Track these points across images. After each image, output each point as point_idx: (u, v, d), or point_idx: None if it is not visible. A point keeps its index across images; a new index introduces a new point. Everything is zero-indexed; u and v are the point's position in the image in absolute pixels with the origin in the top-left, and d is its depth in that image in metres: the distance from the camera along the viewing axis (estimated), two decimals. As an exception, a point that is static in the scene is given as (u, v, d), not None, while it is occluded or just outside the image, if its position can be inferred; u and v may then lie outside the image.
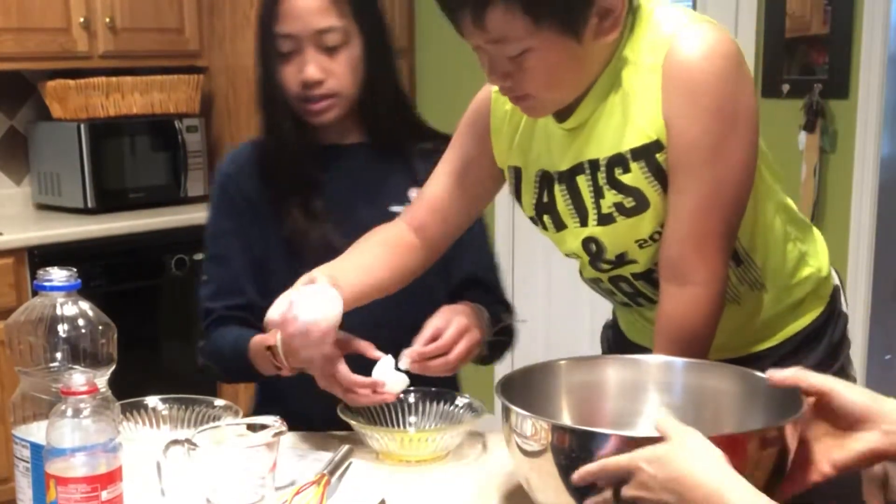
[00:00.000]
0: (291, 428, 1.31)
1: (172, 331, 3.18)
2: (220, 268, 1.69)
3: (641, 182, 1.35)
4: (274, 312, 1.38)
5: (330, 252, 1.57)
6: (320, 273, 1.44)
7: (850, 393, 1.10)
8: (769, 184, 1.48)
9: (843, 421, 1.10)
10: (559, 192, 1.44)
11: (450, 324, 1.49)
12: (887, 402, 1.06)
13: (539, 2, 1.25)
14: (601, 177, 1.38)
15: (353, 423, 1.46)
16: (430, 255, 1.59)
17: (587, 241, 1.44)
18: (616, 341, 1.67)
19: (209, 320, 1.67)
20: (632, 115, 1.34)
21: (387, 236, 1.56)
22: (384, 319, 1.52)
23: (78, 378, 1.11)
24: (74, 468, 1.10)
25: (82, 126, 3.35)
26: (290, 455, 1.42)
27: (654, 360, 1.35)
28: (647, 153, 1.34)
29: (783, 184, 1.56)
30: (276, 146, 1.68)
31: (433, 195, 1.57)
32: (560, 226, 1.48)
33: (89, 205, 3.39)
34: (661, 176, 1.34)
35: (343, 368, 1.43)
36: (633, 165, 1.34)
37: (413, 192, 1.66)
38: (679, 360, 1.33)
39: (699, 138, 1.30)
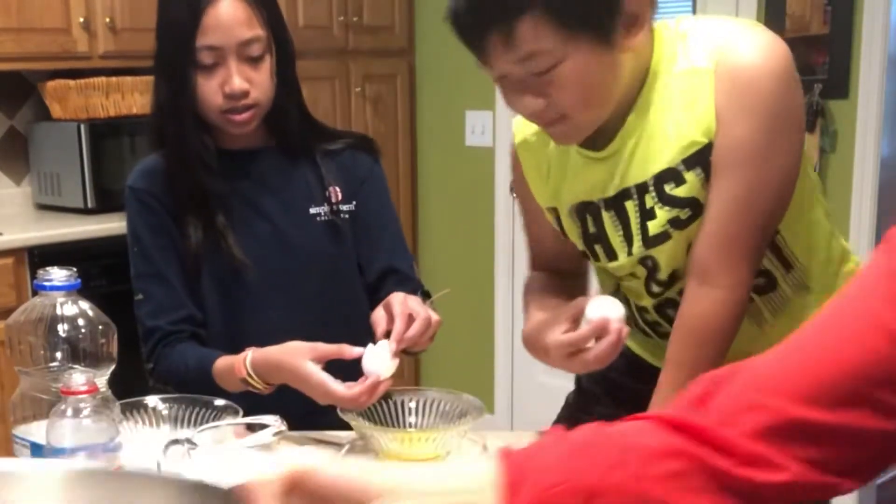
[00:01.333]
0: (290, 427, 1.31)
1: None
2: (155, 285, 1.67)
3: (698, 190, 1.33)
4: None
5: (233, 263, 1.64)
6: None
7: (330, 475, 0.91)
8: (815, 181, 1.45)
9: None
10: (608, 218, 1.41)
11: (408, 302, 1.53)
12: (378, 482, 0.88)
13: (571, 10, 1.23)
14: (650, 198, 1.35)
15: (353, 423, 1.46)
16: (584, 279, 1.60)
17: (644, 259, 1.41)
18: (631, 363, 1.58)
19: (154, 340, 1.65)
20: (676, 127, 1.32)
21: (544, 280, 1.58)
22: (308, 317, 1.57)
23: (78, 378, 1.11)
24: (74, 468, 1.09)
25: (82, 126, 3.34)
26: (291, 455, 1.42)
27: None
28: (701, 159, 1.32)
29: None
30: (179, 159, 1.67)
31: (542, 254, 1.60)
32: (611, 255, 1.44)
33: (89, 205, 3.39)
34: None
35: (338, 389, 1.44)
36: (689, 175, 1.33)
37: (332, 192, 1.72)
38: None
39: (747, 136, 1.29)
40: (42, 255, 3.06)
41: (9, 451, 1.26)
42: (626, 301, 1.48)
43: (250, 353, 1.51)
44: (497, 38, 1.25)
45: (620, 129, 1.35)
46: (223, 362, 1.56)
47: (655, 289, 1.43)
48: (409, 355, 1.65)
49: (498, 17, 1.24)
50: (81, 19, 3.31)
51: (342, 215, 1.74)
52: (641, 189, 1.36)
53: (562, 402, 1.76)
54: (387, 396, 1.54)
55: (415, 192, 4.16)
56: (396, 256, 1.78)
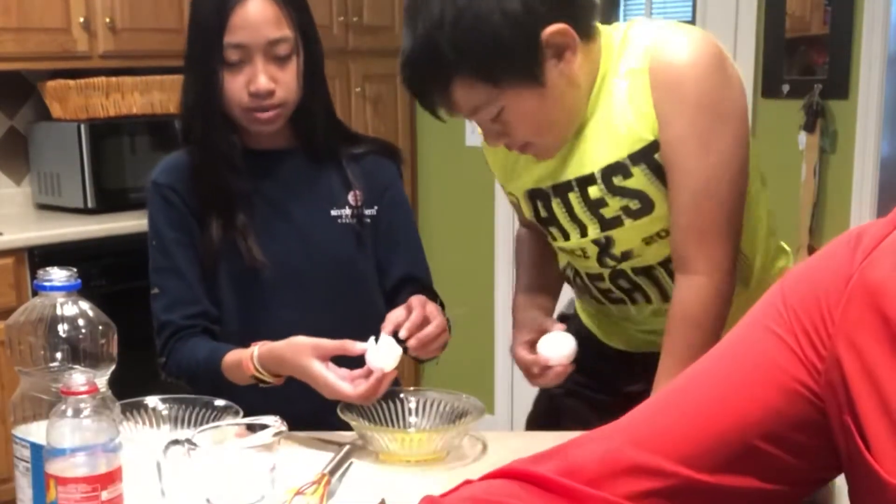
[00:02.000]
0: (291, 427, 1.31)
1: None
2: (172, 279, 1.68)
3: (644, 184, 1.43)
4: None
5: (251, 265, 1.65)
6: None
7: None
8: (759, 176, 1.52)
9: None
10: (556, 205, 1.52)
11: (426, 305, 1.55)
12: None
13: (492, 67, 1.34)
14: (599, 189, 1.45)
15: (353, 423, 1.46)
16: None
17: (597, 240, 1.51)
18: (586, 338, 1.69)
19: (167, 334, 1.66)
20: (623, 124, 1.42)
21: (532, 249, 1.73)
22: (324, 319, 1.57)
23: (78, 378, 1.11)
24: (74, 468, 1.09)
25: (82, 126, 3.34)
26: (291, 455, 1.42)
27: None
28: (645, 155, 1.41)
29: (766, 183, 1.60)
30: (204, 156, 1.68)
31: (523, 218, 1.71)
32: (566, 235, 1.55)
33: (89, 205, 3.39)
34: (662, 175, 1.42)
35: (344, 387, 1.44)
36: (635, 170, 1.42)
37: (351, 196, 1.73)
38: None
39: (685, 131, 1.38)
40: (42, 255, 3.06)
41: (9, 451, 1.26)
42: (576, 273, 1.62)
43: (256, 349, 1.52)
44: (441, 102, 1.41)
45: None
46: (232, 357, 1.56)
47: (609, 262, 1.53)
48: (419, 362, 1.66)
49: (434, 88, 1.39)
50: (81, 19, 3.31)
51: (364, 219, 1.75)
52: (584, 181, 1.46)
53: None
54: (387, 396, 1.55)
55: (415, 192, 4.16)
56: (415, 265, 1.79)
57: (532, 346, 1.57)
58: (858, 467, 0.74)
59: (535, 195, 1.54)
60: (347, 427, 1.48)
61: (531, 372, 1.57)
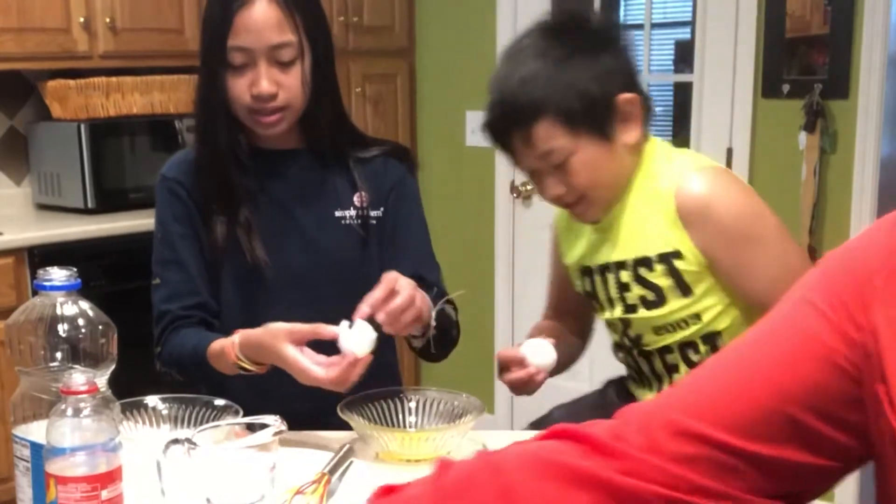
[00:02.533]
0: (291, 427, 1.31)
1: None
2: (173, 271, 1.70)
3: (662, 280, 1.62)
4: None
5: (254, 263, 1.67)
6: None
7: None
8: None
9: None
10: (598, 282, 1.72)
11: (398, 281, 1.51)
12: None
13: (573, 113, 1.57)
14: (627, 274, 1.65)
15: (353, 423, 1.46)
16: (583, 341, 1.92)
17: (623, 319, 1.70)
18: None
19: (164, 323, 1.67)
20: (652, 227, 1.61)
21: (558, 326, 1.89)
22: (326, 320, 1.53)
23: (78, 378, 1.11)
24: (74, 468, 1.10)
25: (82, 126, 3.34)
26: (291, 455, 1.42)
27: None
28: (668, 259, 1.60)
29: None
30: (209, 153, 1.69)
31: (553, 303, 1.95)
32: (603, 309, 1.75)
33: (89, 205, 3.39)
34: (677, 278, 1.60)
35: (318, 372, 1.43)
36: (658, 267, 1.62)
37: (356, 198, 1.74)
38: None
39: (735, 259, 1.57)
40: (42, 255, 3.06)
41: (9, 451, 1.26)
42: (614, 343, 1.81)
43: (238, 336, 1.52)
44: (519, 139, 1.62)
45: (615, 207, 1.65)
46: (217, 345, 1.56)
47: (626, 342, 1.73)
48: (420, 355, 1.66)
49: (518, 123, 1.60)
50: (81, 19, 3.31)
51: (369, 221, 1.75)
52: (620, 266, 1.66)
53: (561, 402, 1.90)
54: (387, 396, 1.55)
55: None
56: (423, 265, 1.79)
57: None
58: (885, 437, 0.76)
59: (584, 271, 1.75)
60: (347, 427, 1.48)
61: (506, 368, 1.68)
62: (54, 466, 1.10)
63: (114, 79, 3.43)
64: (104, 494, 1.10)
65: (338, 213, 1.73)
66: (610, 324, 1.76)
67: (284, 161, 1.74)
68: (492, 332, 4.01)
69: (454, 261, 4.11)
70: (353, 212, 1.74)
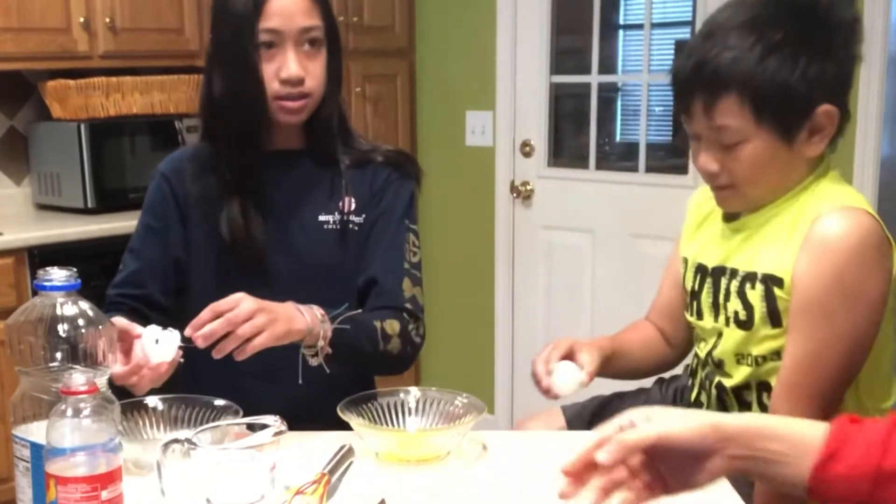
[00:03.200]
0: (291, 427, 1.31)
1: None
2: (131, 259, 1.76)
3: (757, 302, 1.54)
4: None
5: (251, 260, 1.67)
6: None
7: (683, 431, 1.03)
8: (858, 385, 1.56)
9: (686, 460, 1.04)
10: (707, 284, 1.64)
11: (239, 303, 1.46)
12: (731, 424, 1.04)
13: (766, 100, 1.45)
14: (735, 284, 1.57)
15: (353, 423, 1.46)
16: (677, 352, 1.83)
17: (718, 331, 1.62)
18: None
19: (104, 307, 1.68)
20: (776, 247, 1.53)
21: (646, 333, 1.83)
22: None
23: (78, 378, 1.11)
24: (74, 468, 1.10)
25: (82, 126, 3.34)
26: (291, 455, 1.42)
27: None
28: (770, 282, 1.52)
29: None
30: (238, 145, 1.69)
31: (660, 303, 1.83)
32: (699, 314, 1.66)
33: (89, 205, 3.38)
34: (772, 306, 1.52)
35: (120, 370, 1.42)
36: (758, 286, 1.54)
37: (342, 202, 1.73)
38: None
39: (812, 300, 1.47)
40: (42, 255, 3.06)
41: (9, 451, 1.26)
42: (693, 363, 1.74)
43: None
44: (700, 103, 1.49)
45: (756, 213, 1.57)
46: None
47: (709, 364, 1.64)
48: (308, 362, 1.59)
49: (706, 87, 1.48)
50: (81, 19, 3.31)
51: (349, 226, 1.74)
52: (733, 274, 1.58)
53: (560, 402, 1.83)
54: (387, 396, 1.55)
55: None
56: (384, 270, 1.75)
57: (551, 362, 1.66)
58: None
59: (699, 268, 1.67)
60: (347, 427, 1.48)
61: (537, 382, 1.65)
62: (54, 467, 1.10)
63: (114, 79, 3.43)
64: (104, 495, 1.10)
65: (322, 218, 1.74)
66: (700, 337, 1.69)
67: (285, 164, 1.74)
68: (492, 333, 4.01)
69: (454, 261, 4.11)
70: (337, 216, 1.74)
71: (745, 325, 1.56)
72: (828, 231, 1.47)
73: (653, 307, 1.86)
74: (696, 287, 1.66)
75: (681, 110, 1.55)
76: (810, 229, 1.48)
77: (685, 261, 1.71)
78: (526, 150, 3.79)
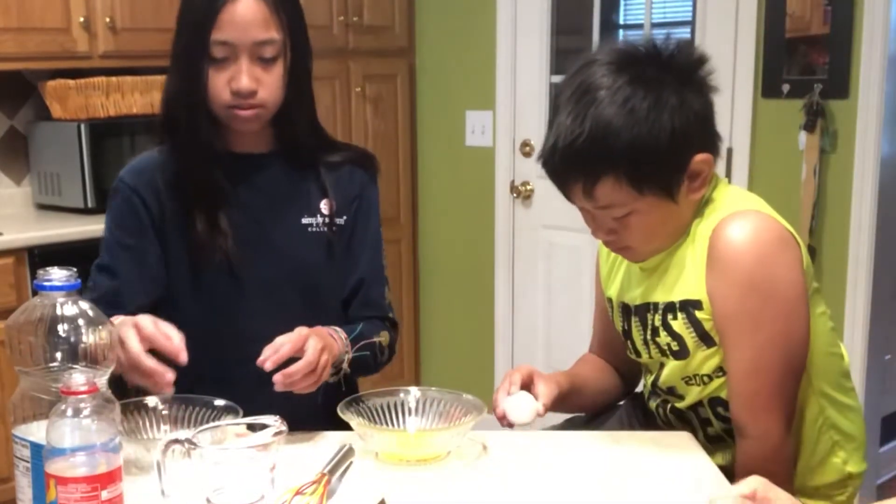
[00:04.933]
0: (291, 428, 1.31)
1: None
2: (105, 279, 1.68)
3: (683, 330, 1.55)
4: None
5: (228, 265, 1.65)
6: None
7: None
8: (809, 374, 1.57)
9: None
10: (634, 322, 1.64)
11: (307, 340, 1.50)
12: None
13: (642, 172, 1.45)
14: (658, 318, 1.58)
15: (353, 423, 1.46)
16: (627, 380, 1.82)
17: (659, 363, 1.63)
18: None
19: None
20: (687, 270, 1.53)
21: (598, 366, 1.82)
22: (288, 325, 1.53)
23: (78, 378, 1.11)
24: (74, 468, 1.10)
25: (82, 126, 3.34)
26: (291, 455, 1.42)
27: None
28: (689, 307, 1.53)
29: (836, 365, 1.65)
30: (189, 151, 1.67)
31: (597, 336, 1.84)
32: (637, 353, 1.67)
33: (89, 205, 3.38)
34: (699, 329, 1.53)
35: (143, 355, 1.42)
36: (679, 315, 1.55)
37: (324, 204, 1.73)
38: None
39: (734, 310, 1.48)
40: (42, 255, 3.06)
41: (9, 451, 1.26)
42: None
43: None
44: (579, 188, 1.49)
45: (665, 250, 1.57)
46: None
47: (658, 390, 1.66)
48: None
49: (582, 175, 1.47)
50: (81, 19, 3.31)
51: (334, 228, 1.74)
52: (655, 308, 1.58)
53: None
54: (387, 396, 1.55)
55: (415, 192, 4.15)
56: (370, 277, 1.78)
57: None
58: None
59: (623, 308, 1.67)
60: (347, 427, 1.48)
61: (494, 408, 1.62)
62: (54, 467, 1.10)
63: (114, 79, 3.43)
64: (104, 494, 1.10)
65: (305, 221, 1.73)
66: (646, 368, 1.71)
67: (256, 166, 1.72)
68: (491, 333, 4.01)
69: (454, 261, 4.11)
70: (319, 219, 1.73)
71: (680, 354, 1.56)
72: (726, 242, 1.47)
73: (592, 341, 1.87)
74: (626, 326, 1.67)
75: (560, 189, 1.54)
76: (710, 245, 1.49)
77: (610, 301, 1.72)
78: (526, 150, 3.79)
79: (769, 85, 3.13)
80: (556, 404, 1.65)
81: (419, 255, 4.20)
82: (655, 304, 1.58)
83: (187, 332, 1.63)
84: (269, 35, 1.61)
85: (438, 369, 4.16)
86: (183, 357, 1.43)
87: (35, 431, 1.17)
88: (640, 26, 3.63)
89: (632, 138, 1.43)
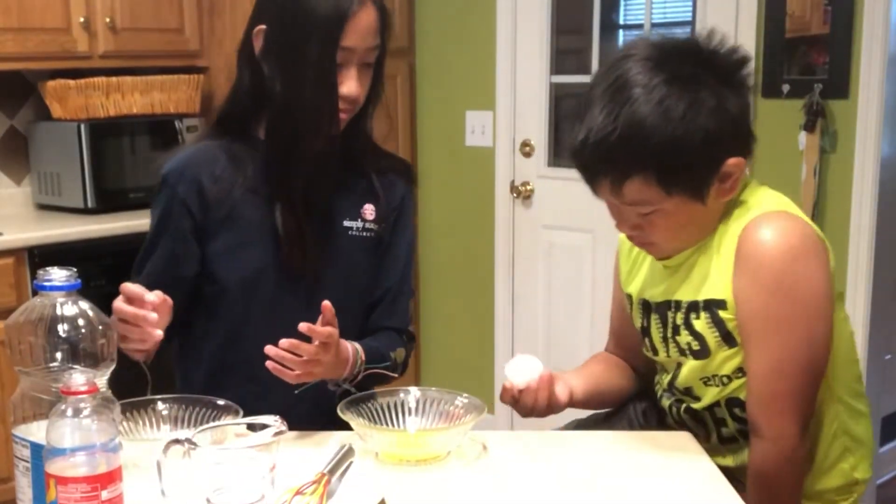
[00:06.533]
0: (291, 428, 1.31)
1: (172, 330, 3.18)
2: (137, 281, 1.66)
3: (705, 330, 1.54)
4: None
5: (312, 261, 1.67)
6: None
7: None
8: (829, 379, 1.56)
9: None
10: (654, 320, 1.63)
11: (334, 337, 1.50)
12: None
13: (672, 173, 1.44)
14: (680, 316, 1.57)
15: (353, 423, 1.46)
16: (641, 375, 1.80)
17: (677, 363, 1.62)
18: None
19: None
20: (714, 270, 1.52)
21: (612, 363, 1.81)
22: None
23: (78, 378, 1.11)
24: (74, 468, 1.10)
25: (82, 126, 3.34)
26: (291, 455, 1.42)
27: None
28: (714, 307, 1.52)
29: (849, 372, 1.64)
30: (301, 152, 1.65)
31: (615, 333, 1.82)
32: (654, 351, 1.66)
33: (89, 205, 3.39)
34: (722, 329, 1.52)
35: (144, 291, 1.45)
36: (702, 314, 1.54)
37: (368, 210, 1.74)
38: None
39: (759, 312, 1.47)
40: (42, 255, 3.06)
41: (9, 451, 1.26)
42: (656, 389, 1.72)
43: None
44: (607, 184, 1.48)
45: (690, 248, 1.56)
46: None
47: (674, 390, 1.64)
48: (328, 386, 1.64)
49: (612, 172, 1.46)
50: (81, 19, 3.31)
51: (372, 234, 1.75)
52: (677, 306, 1.57)
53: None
54: (387, 396, 1.55)
55: (415, 192, 4.15)
56: (396, 289, 1.79)
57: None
58: None
59: (644, 305, 1.66)
60: (347, 427, 1.48)
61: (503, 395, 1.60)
62: (54, 467, 1.10)
63: (114, 79, 3.43)
64: (104, 495, 1.11)
65: (346, 223, 1.73)
66: (661, 368, 1.70)
67: (317, 166, 1.71)
68: (491, 333, 4.01)
69: (454, 261, 4.11)
70: (360, 223, 1.74)
71: (701, 353, 1.55)
72: (755, 243, 1.46)
73: (609, 338, 1.86)
74: (645, 324, 1.66)
75: (590, 187, 1.52)
76: (739, 245, 1.48)
77: (629, 297, 1.71)
78: (526, 150, 3.79)
79: (769, 85, 3.12)
80: (575, 405, 1.67)
81: (419, 255, 4.20)
82: (678, 303, 1.57)
83: (217, 329, 1.68)
84: (377, 42, 1.64)
85: (438, 369, 4.16)
86: (150, 297, 1.43)
87: (35, 431, 1.17)
88: (640, 26, 3.63)
89: (664, 139, 1.41)
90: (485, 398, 1.56)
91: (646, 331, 1.66)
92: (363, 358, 1.64)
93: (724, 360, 1.54)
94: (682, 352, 1.58)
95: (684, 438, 1.58)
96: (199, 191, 1.68)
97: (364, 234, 1.75)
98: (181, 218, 1.69)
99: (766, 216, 1.49)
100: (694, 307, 1.54)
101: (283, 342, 1.45)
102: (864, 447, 1.64)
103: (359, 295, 1.76)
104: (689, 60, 1.46)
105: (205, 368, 1.73)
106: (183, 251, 1.69)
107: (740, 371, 1.53)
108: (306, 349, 1.47)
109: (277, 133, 1.66)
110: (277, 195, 1.67)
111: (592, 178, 1.50)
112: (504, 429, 3.72)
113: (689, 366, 1.58)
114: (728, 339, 1.52)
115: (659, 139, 1.41)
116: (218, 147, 1.72)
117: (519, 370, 1.58)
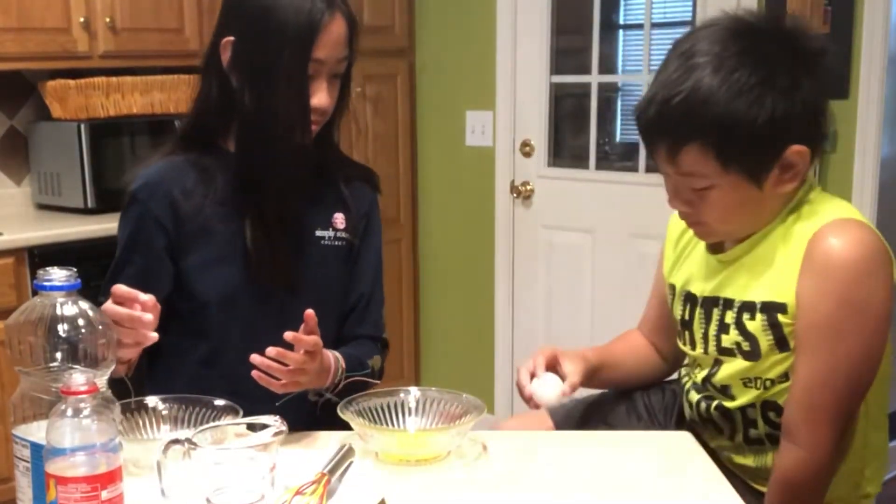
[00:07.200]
0: (291, 428, 1.31)
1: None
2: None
3: (759, 332, 1.50)
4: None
5: (285, 273, 1.65)
6: None
7: None
8: (868, 400, 1.55)
9: None
10: (698, 314, 1.60)
11: (319, 349, 1.50)
12: None
13: (731, 148, 1.41)
14: (730, 315, 1.53)
15: (353, 422, 1.46)
16: (669, 364, 1.81)
17: (715, 360, 1.59)
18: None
19: None
20: (772, 273, 1.49)
21: (637, 344, 1.82)
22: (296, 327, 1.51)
23: (78, 378, 1.11)
24: (74, 468, 1.10)
25: (82, 126, 3.34)
26: (291, 455, 1.42)
27: None
28: (772, 310, 1.48)
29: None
30: (272, 161, 1.63)
31: (651, 318, 1.81)
32: (692, 345, 1.63)
33: (89, 205, 3.39)
34: (777, 333, 1.49)
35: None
36: (759, 316, 1.50)
37: (339, 218, 1.74)
38: None
39: (821, 320, 1.44)
40: (42, 255, 3.06)
41: (9, 451, 1.26)
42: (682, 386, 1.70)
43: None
44: (664, 149, 1.45)
45: (744, 243, 1.53)
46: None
47: (709, 386, 1.60)
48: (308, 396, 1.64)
49: (669, 136, 1.44)
50: (81, 19, 3.31)
51: (343, 243, 1.75)
52: (728, 304, 1.54)
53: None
54: (387, 396, 1.55)
55: (415, 192, 4.15)
56: (369, 296, 1.79)
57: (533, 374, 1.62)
58: None
59: (688, 298, 1.63)
60: (347, 427, 1.48)
61: (521, 390, 1.61)
62: (54, 467, 1.10)
63: (114, 79, 3.43)
64: (104, 495, 1.10)
65: (318, 233, 1.72)
66: (695, 362, 1.65)
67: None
68: (491, 333, 4.01)
69: (454, 261, 4.11)
70: (332, 232, 1.74)
71: (751, 355, 1.52)
72: (829, 249, 1.43)
73: (643, 320, 1.85)
74: (687, 317, 1.63)
75: (648, 152, 1.52)
76: (809, 249, 1.45)
77: (672, 287, 1.68)
78: (526, 150, 3.79)
79: (769, 85, 3.12)
80: (586, 381, 1.65)
81: (419, 255, 4.20)
82: (729, 301, 1.54)
83: (195, 346, 1.67)
84: (346, 52, 1.65)
85: (438, 369, 4.16)
86: (143, 298, 1.41)
87: (35, 431, 1.17)
88: (640, 26, 3.63)
89: (727, 111, 1.38)
90: (485, 398, 1.56)
91: (686, 324, 1.63)
92: (343, 366, 1.64)
93: (774, 364, 1.51)
94: (723, 350, 1.55)
95: (684, 438, 1.58)
96: (172, 205, 1.66)
97: (336, 242, 1.74)
98: (154, 234, 1.66)
99: (840, 223, 1.45)
100: (749, 307, 1.51)
101: (270, 350, 1.44)
102: (879, 459, 1.62)
103: (333, 304, 1.75)
104: (769, 38, 1.44)
105: (182, 385, 1.69)
106: (156, 268, 1.67)
107: (785, 376, 1.51)
108: (293, 358, 1.46)
109: (248, 145, 1.64)
110: (247, 209, 1.65)
111: (652, 141, 1.48)
112: (508, 432, 3.72)
113: (733, 365, 1.55)
114: (781, 343, 1.49)
115: (721, 109, 1.39)
116: (186, 161, 1.69)
117: (547, 387, 1.58)
